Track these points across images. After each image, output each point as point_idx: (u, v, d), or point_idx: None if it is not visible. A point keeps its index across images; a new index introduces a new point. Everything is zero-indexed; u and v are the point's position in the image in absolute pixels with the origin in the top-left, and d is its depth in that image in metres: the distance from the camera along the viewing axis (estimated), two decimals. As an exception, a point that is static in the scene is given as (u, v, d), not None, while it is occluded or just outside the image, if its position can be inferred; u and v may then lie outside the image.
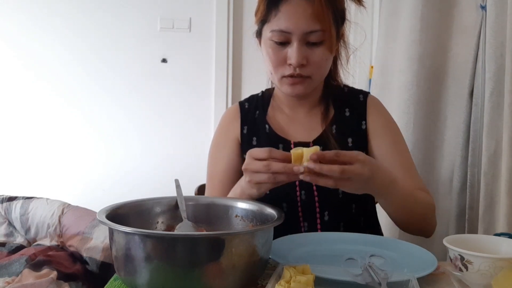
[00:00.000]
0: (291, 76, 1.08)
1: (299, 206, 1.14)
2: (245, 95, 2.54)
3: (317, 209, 1.14)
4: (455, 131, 1.72)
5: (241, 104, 1.26)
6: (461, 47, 1.71)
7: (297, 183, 1.14)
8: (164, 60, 2.52)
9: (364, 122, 1.18)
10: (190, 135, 2.54)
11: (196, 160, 2.52)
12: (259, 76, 2.45)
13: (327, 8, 1.04)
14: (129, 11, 2.50)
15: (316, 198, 1.14)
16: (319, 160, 0.86)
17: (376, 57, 1.89)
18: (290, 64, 1.07)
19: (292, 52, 1.06)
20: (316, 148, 0.88)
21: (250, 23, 2.53)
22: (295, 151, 0.89)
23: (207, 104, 2.53)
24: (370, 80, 2.04)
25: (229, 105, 2.51)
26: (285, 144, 1.16)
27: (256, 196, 0.98)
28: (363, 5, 1.14)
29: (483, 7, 1.59)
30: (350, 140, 1.17)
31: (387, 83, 1.85)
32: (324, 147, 1.12)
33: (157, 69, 2.52)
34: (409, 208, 1.06)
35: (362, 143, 1.17)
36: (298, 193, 1.14)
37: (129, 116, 2.54)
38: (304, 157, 0.87)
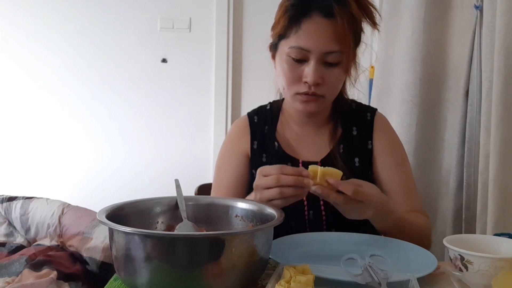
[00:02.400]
0: (305, 93, 1.07)
1: (307, 225, 1.15)
2: (245, 95, 2.55)
3: (324, 227, 1.15)
4: (452, 131, 1.73)
5: (250, 117, 1.25)
6: (457, 47, 1.72)
7: (305, 202, 1.14)
8: (164, 60, 2.52)
9: (370, 141, 1.19)
10: (190, 135, 2.54)
11: (196, 160, 2.52)
12: (259, 76, 2.46)
13: (349, 31, 1.03)
14: (129, 11, 2.50)
15: (324, 218, 1.15)
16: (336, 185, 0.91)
17: (378, 58, 1.89)
18: (305, 82, 1.06)
19: (309, 70, 1.04)
20: (332, 170, 0.92)
21: (250, 23, 2.55)
22: (312, 168, 0.92)
23: (207, 104, 2.52)
24: (370, 80, 2.04)
25: (229, 105, 2.51)
26: (294, 163, 1.16)
27: None
28: (377, 29, 1.13)
29: (478, 7, 1.60)
30: (357, 160, 1.17)
31: (389, 84, 1.85)
32: (332, 167, 1.13)
33: (157, 69, 2.52)
34: (403, 233, 1.06)
35: (368, 163, 1.18)
36: (306, 213, 1.15)
37: (129, 116, 2.54)
38: (319, 175, 0.91)
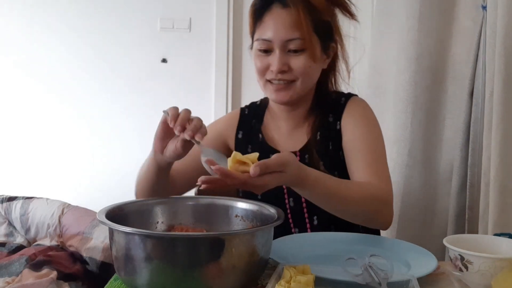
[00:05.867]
0: (273, 81, 1.12)
1: (289, 213, 1.18)
2: (245, 95, 2.54)
3: (306, 215, 1.17)
4: (454, 131, 1.72)
5: (242, 109, 1.32)
6: (461, 47, 1.71)
7: (285, 190, 1.17)
8: (164, 60, 2.52)
9: (339, 122, 1.19)
10: (190, 135, 2.54)
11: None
12: (259, 76, 2.46)
13: (306, 18, 1.09)
14: (129, 11, 2.50)
15: (304, 205, 1.17)
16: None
17: (370, 55, 1.88)
18: (272, 71, 1.11)
19: (273, 59, 1.11)
20: (255, 155, 0.85)
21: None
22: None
23: (207, 104, 2.52)
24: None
25: (229, 105, 2.51)
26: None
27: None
28: (355, 19, 1.18)
29: (484, 7, 1.59)
30: (330, 143, 1.18)
31: (382, 83, 1.84)
32: (310, 155, 1.17)
33: (157, 69, 2.52)
34: (339, 207, 1.00)
35: (338, 144, 1.17)
36: (286, 200, 1.18)
37: (129, 116, 2.54)
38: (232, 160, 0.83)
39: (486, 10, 1.59)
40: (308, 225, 1.17)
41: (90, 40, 2.51)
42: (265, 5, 1.12)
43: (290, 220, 1.18)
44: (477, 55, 1.63)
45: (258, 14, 1.13)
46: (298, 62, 1.10)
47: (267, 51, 1.12)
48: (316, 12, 1.11)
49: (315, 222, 1.16)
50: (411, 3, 1.70)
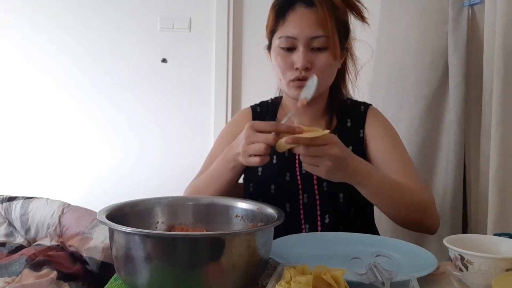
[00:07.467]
0: (297, 79, 1.13)
1: (301, 209, 1.19)
2: (245, 95, 2.55)
3: (318, 212, 1.18)
4: (452, 130, 1.73)
5: (253, 108, 1.34)
6: (457, 47, 1.72)
7: (300, 186, 1.19)
8: (164, 60, 2.52)
9: (362, 130, 1.24)
10: (190, 135, 2.54)
11: (196, 160, 2.51)
12: (259, 76, 2.46)
13: (330, 17, 1.11)
14: (129, 11, 2.50)
15: (318, 202, 1.18)
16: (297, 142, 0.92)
17: (377, 53, 1.88)
18: (296, 68, 1.13)
19: (298, 56, 1.12)
20: (317, 131, 0.92)
21: (250, 23, 2.54)
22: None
23: (207, 104, 2.52)
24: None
25: (229, 105, 2.51)
26: (290, 150, 1.19)
27: (240, 167, 1.05)
28: (366, 22, 1.20)
29: (468, 4, 1.61)
30: (350, 148, 1.19)
31: (389, 82, 1.85)
32: None
33: (157, 69, 2.52)
34: (396, 199, 1.07)
35: (360, 150, 1.21)
36: (300, 196, 1.19)
37: (129, 116, 2.54)
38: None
39: (471, 8, 1.61)
40: (319, 223, 1.18)
41: (90, 41, 2.51)
42: (289, 4, 1.14)
43: (302, 216, 1.19)
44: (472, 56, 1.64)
45: (280, 13, 1.15)
46: (320, 60, 1.13)
47: (290, 49, 1.13)
48: (337, 11, 1.14)
49: (327, 221, 1.18)
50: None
